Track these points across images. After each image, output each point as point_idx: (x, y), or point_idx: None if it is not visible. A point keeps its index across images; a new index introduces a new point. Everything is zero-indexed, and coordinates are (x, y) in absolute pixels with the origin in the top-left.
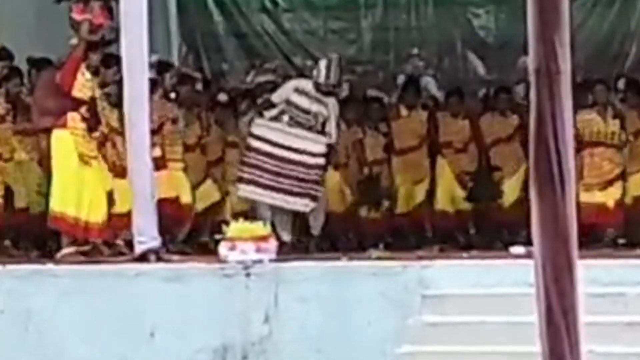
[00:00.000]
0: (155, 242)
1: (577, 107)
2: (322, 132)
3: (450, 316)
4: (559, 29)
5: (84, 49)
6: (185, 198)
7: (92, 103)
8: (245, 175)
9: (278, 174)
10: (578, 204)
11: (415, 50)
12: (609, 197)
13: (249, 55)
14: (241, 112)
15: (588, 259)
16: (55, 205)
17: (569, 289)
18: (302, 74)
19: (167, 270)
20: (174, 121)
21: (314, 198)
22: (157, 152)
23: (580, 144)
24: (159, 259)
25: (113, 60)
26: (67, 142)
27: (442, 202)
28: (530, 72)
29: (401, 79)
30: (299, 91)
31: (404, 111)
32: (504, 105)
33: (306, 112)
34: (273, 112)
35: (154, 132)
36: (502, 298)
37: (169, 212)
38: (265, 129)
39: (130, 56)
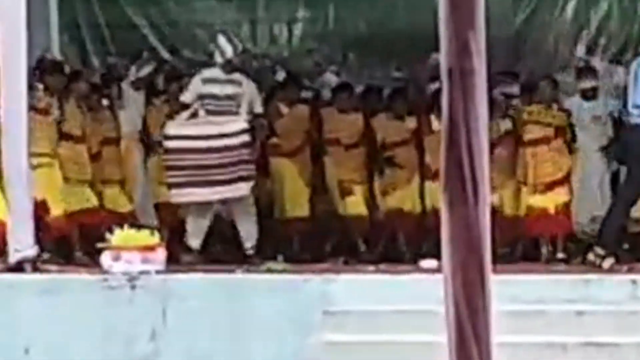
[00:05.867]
0: (32, 250)
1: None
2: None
3: (354, 334)
4: (474, 25)
5: None
6: (54, 201)
7: None
8: (172, 180)
9: (205, 167)
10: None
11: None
12: (550, 202)
13: (133, 49)
14: (114, 98)
15: (507, 274)
16: None
17: (482, 307)
18: (191, 66)
19: (44, 281)
20: (44, 112)
21: (247, 179)
22: None
23: (522, 143)
24: (36, 269)
25: None
26: None
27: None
28: (441, 71)
29: (281, 75)
30: (207, 80)
31: (284, 109)
32: (400, 108)
33: (221, 98)
34: (186, 113)
35: None
36: (411, 315)
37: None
38: (180, 126)
39: (6, 49)
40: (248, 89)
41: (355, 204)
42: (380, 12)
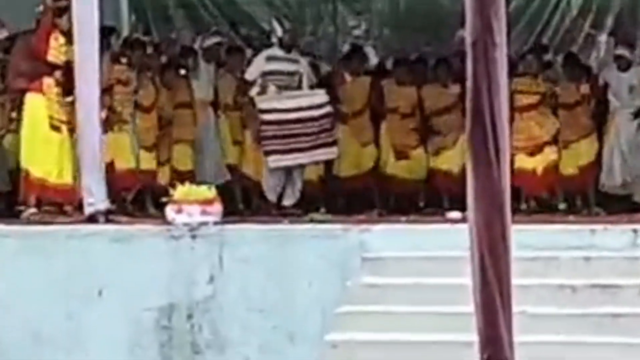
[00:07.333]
0: (104, 203)
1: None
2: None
3: (389, 278)
4: (495, 3)
5: (52, 16)
6: (128, 162)
7: (66, 67)
8: (269, 148)
9: (297, 135)
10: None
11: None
12: (538, 162)
13: (196, 25)
14: (190, 69)
15: (521, 224)
16: (24, 165)
17: (503, 254)
18: (249, 43)
19: (115, 231)
20: (125, 83)
21: (335, 144)
22: (103, 114)
23: (512, 110)
24: (108, 221)
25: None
26: (40, 107)
27: (389, 167)
28: (467, 45)
29: (346, 47)
30: (270, 58)
31: (348, 77)
32: (444, 77)
33: (285, 74)
34: (255, 89)
35: (103, 93)
36: (438, 261)
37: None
38: (271, 100)
39: (80, 21)
40: (305, 69)
41: (409, 166)
42: None
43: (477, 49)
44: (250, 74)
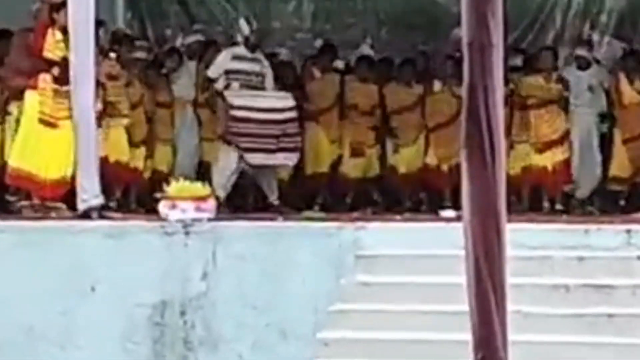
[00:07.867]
0: (98, 200)
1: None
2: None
3: (383, 276)
4: (492, 2)
5: (49, 11)
6: (124, 156)
7: (64, 63)
8: (234, 142)
9: (264, 136)
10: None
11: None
12: (547, 160)
13: (191, 23)
14: (170, 69)
15: (516, 223)
16: (12, 161)
17: (497, 254)
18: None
19: (109, 227)
20: (115, 78)
21: (297, 150)
22: (99, 106)
23: (525, 107)
24: (102, 217)
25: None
26: (32, 102)
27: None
28: (463, 45)
29: (318, 43)
30: (235, 57)
31: (317, 73)
32: (408, 76)
33: (249, 73)
34: (220, 85)
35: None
36: (432, 259)
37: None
38: (245, 98)
39: (76, 19)
40: (268, 69)
41: (362, 165)
42: None
43: (473, 49)
44: (213, 71)
